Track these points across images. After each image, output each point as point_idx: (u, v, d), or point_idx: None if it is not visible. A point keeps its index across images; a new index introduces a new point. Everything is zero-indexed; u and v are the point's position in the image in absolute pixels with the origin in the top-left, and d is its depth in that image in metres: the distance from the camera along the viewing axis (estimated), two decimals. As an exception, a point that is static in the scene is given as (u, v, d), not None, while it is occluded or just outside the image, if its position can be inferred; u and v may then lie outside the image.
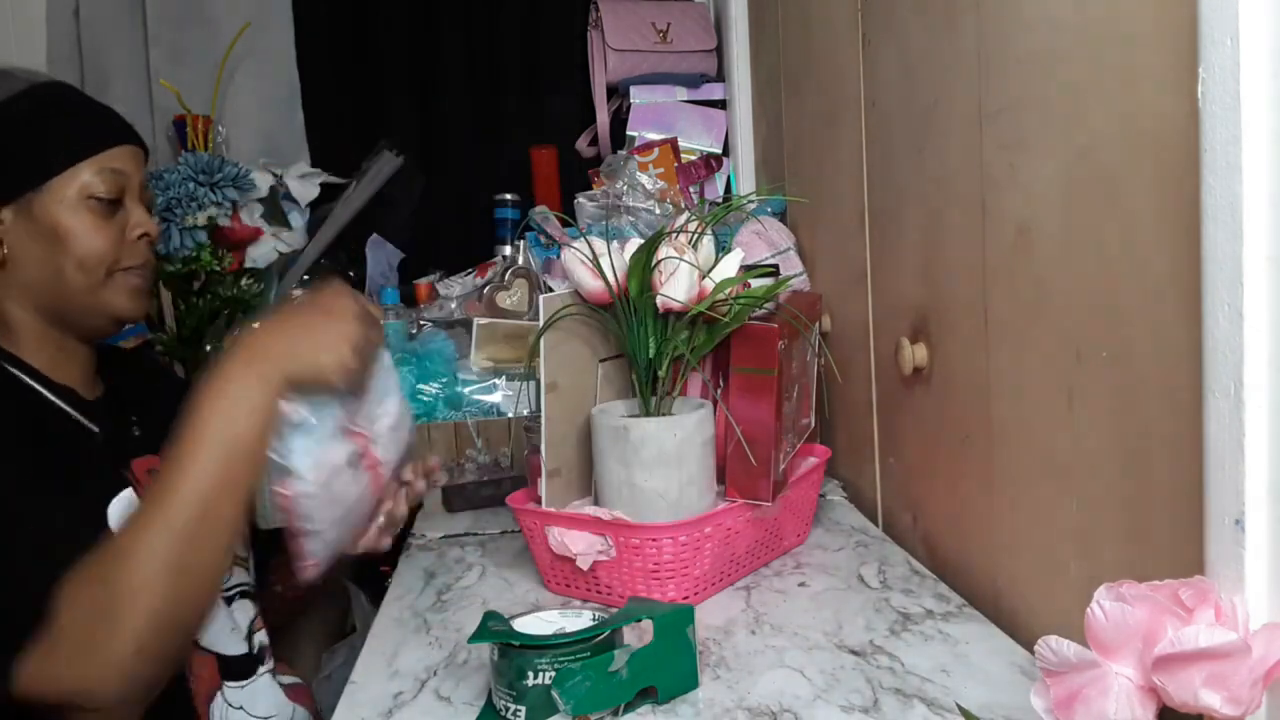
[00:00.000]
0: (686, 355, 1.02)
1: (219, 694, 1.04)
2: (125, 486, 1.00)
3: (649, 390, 1.03)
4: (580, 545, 1.02)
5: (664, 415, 1.03)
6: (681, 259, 0.99)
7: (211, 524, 0.85)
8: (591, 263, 1.02)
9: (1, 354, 1.01)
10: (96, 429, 1.03)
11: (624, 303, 1.02)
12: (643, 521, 1.00)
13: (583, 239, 1.04)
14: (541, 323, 1.02)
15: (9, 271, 1.02)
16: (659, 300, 1.00)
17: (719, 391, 1.08)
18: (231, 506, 0.86)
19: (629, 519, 1.00)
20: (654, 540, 0.99)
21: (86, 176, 1.03)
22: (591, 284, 1.03)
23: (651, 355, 1.02)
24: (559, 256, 1.78)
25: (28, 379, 1.01)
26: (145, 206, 1.09)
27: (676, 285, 0.99)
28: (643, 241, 1.03)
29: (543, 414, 1.03)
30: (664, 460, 0.99)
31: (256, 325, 0.91)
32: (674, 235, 1.01)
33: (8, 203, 1.01)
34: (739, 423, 1.02)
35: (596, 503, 1.06)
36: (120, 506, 0.98)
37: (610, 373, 1.10)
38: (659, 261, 1.00)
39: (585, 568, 1.02)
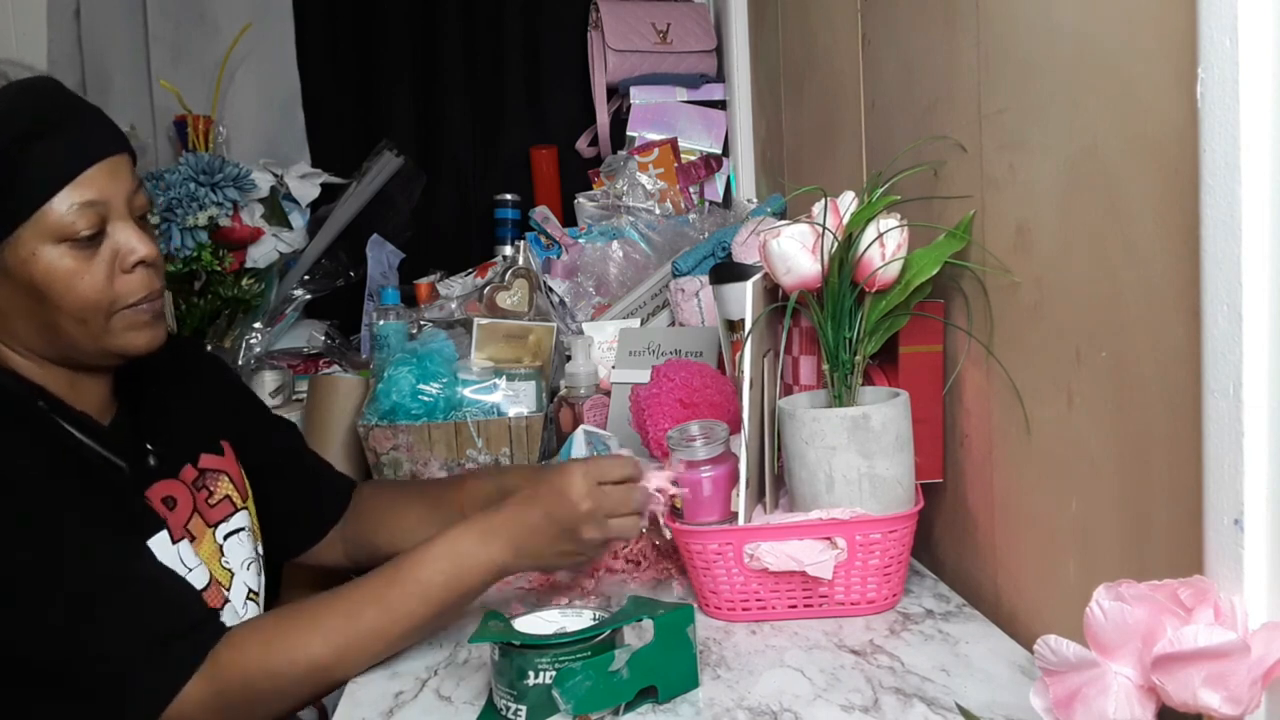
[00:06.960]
0: (866, 339, 0.97)
1: None
2: (160, 528, 0.97)
3: (845, 378, 0.96)
4: (811, 554, 0.93)
5: (854, 405, 0.96)
6: (907, 225, 0.94)
7: (403, 641, 0.91)
8: (813, 244, 0.95)
9: (21, 382, 0.93)
10: (123, 463, 0.97)
11: (833, 286, 0.95)
12: (885, 514, 0.93)
13: (798, 222, 0.97)
14: (750, 315, 0.94)
15: (1, 325, 0.92)
16: (882, 273, 0.94)
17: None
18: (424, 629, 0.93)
19: (870, 513, 0.93)
20: (893, 530, 0.93)
21: (59, 213, 0.88)
22: (811, 268, 0.96)
23: (854, 339, 0.96)
24: (559, 256, 1.78)
25: (50, 412, 0.94)
26: (138, 219, 0.94)
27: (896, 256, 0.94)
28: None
29: (746, 415, 0.95)
30: (901, 445, 0.94)
31: (525, 514, 0.94)
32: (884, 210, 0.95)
33: None
34: (912, 403, 0.97)
35: (793, 507, 0.98)
36: (158, 548, 0.95)
37: (768, 369, 1.04)
38: (881, 234, 0.93)
39: (829, 576, 0.93)
